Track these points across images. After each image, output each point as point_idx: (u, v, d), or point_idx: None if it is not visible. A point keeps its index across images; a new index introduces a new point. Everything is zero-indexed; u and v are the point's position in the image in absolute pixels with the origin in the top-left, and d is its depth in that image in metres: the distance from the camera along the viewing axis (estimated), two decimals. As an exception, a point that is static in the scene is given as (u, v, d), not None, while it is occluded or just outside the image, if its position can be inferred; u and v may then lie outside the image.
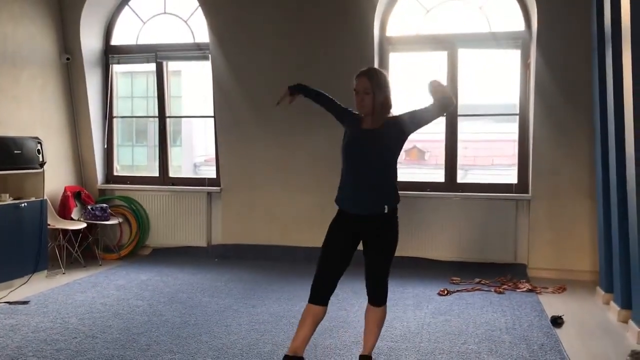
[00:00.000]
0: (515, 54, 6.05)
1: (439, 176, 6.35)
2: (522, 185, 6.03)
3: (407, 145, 8.67)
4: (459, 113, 6.16)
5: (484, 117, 7.00)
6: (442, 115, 3.16)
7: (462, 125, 6.28)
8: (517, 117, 6.07)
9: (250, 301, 4.82)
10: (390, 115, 3.15)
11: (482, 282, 5.42)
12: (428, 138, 8.61)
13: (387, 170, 3.09)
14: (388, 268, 3.16)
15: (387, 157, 3.08)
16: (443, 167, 6.29)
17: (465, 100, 6.27)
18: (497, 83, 6.65)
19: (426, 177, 6.85)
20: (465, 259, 6.00)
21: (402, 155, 8.01)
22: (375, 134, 3.07)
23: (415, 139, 8.86)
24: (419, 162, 9.59)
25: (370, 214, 3.06)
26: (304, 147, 6.34)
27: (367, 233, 3.11)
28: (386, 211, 3.04)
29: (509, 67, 6.18)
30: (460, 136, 6.22)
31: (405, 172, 7.55)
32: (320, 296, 3.10)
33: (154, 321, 4.30)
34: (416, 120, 3.09)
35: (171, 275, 5.75)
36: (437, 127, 6.43)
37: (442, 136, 6.28)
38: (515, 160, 6.13)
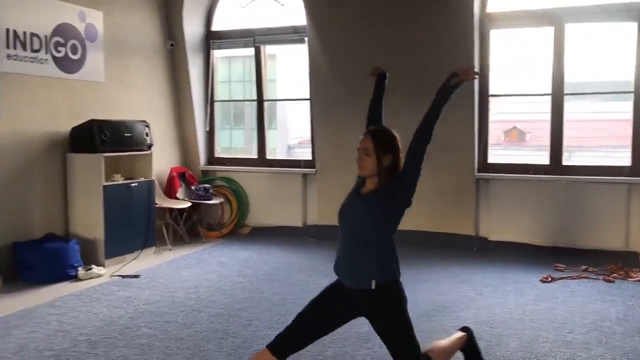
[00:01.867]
0: (631, 27, 5.62)
1: (541, 158, 6.07)
2: (636, 167, 5.64)
3: (506, 126, 8.32)
4: (565, 92, 5.84)
5: (590, 96, 6.60)
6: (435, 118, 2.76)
7: (567, 105, 5.94)
8: (632, 95, 5.65)
9: (346, 282, 4.86)
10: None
11: (589, 269, 5.15)
12: (529, 118, 8.25)
13: (379, 241, 2.67)
14: (403, 349, 2.68)
15: (379, 226, 2.68)
16: (545, 148, 5.99)
17: (572, 78, 5.92)
18: (608, 59, 6.23)
19: (527, 159, 6.58)
20: (570, 244, 5.72)
21: (501, 137, 7.68)
22: (370, 200, 2.70)
23: (515, 119, 8.54)
24: (519, 143, 9.21)
25: (357, 288, 2.66)
26: (397, 130, 6.25)
27: (362, 311, 2.72)
28: (373, 287, 2.61)
29: (623, 41, 5.75)
30: (565, 116, 5.90)
31: (504, 153, 7.30)
32: (283, 350, 2.68)
33: (254, 297, 4.44)
34: (409, 156, 2.70)
35: (269, 254, 5.91)
36: (539, 107, 6.15)
37: (543, 116, 5.99)
38: (628, 142, 5.73)
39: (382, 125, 2.92)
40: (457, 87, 2.72)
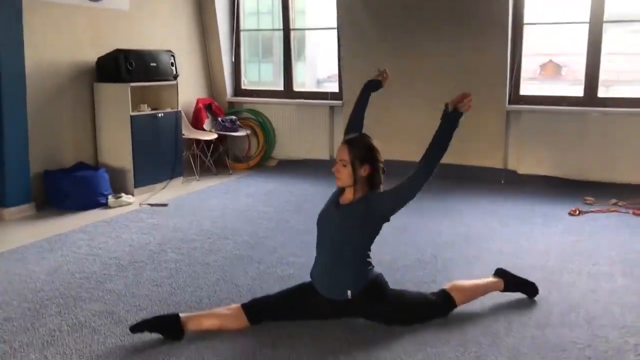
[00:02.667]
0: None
1: (576, 91, 5.86)
2: (674, 99, 5.41)
3: (542, 59, 8.08)
4: (604, 19, 5.56)
5: (633, 26, 6.25)
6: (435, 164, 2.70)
7: (607, 36, 5.65)
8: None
9: (371, 213, 4.88)
10: (376, 191, 2.75)
11: (619, 203, 5.06)
12: (566, 51, 7.91)
13: (354, 252, 2.73)
14: (407, 319, 2.76)
15: (355, 237, 2.72)
16: (581, 82, 5.77)
17: (614, 6, 5.60)
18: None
19: (563, 91, 6.35)
20: (601, 178, 5.60)
21: (536, 71, 7.47)
22: (347, 212, 2.72)
23: (550, 52, 8.22)
24: (554, 77, 8.91)
25: (334, 298, 2.74)
26: (428, 59, 6.09)
27: (345, 314, 2.79)
28: (349, 297, 2.70)
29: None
30: (604, 48, 5.62)
31: (539, 87, 7.07)
32: (256, 314, 2.72)
33: (280, 227, 4.50)
34: (402, 192, 2.68)
35: (296, 186, 5.95)
36: (578, 39, 5.87)
37: (582, 49, 5.73)
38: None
39: (360, 135, 2.83)
40: (458, 116, 2.70)
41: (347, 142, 2.73)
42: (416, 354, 2.53)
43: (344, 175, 2.70)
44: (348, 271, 2.72)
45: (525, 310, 2.97)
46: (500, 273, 3.11)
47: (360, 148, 2.70)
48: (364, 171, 2.68)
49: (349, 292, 2.71)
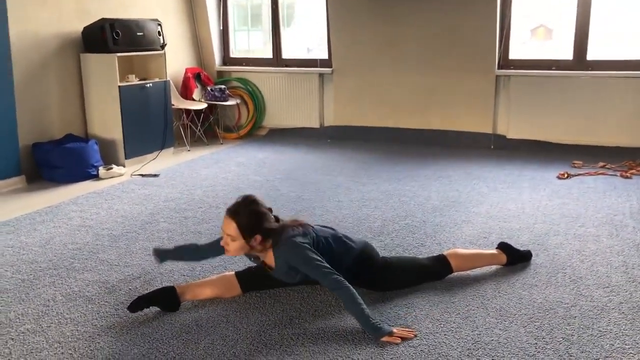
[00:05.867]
0: None
1: (566, 55, 5.84)
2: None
3: (532, 25, 7.97)
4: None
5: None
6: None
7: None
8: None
9: (361, 180, 4.91)
10: (285, 241, 2.54)
11: (606, 166, 5.11)
12: (556, 14, 7.85)
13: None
14: (400, 283, 2.79)
15: (309, 277, 2.62)
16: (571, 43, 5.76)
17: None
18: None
19: (553, 55, 6.33)
20: (590, 142, 5.65)
21: (528, 35, 7.38)
22: (280, 275, 2.68)
23: (542, 16, 8.16)
24: (545, 41, 8.88)
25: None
26: (415, 27, 6.05)
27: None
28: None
29: None
30: (595, 5, 5.59)
31: (529, 50, 7.04)
32: (250, 285, 2.82)
33: (271, 195, 4.52)
34: (315, 274, 2.53)
35: (286, 154, 5.95)
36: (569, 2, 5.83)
37: (572, 11, 5.69)
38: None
39: (243, 200, 2.56)
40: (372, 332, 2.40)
41: (231, 214, 2.52)
42: (406, 316, 2.58)
43: (235, 248, 2.54)
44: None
45: (513, 272, 3.02)
46: (503, 247, 3.11)
47: (246, 218, 2.50)
48: (255, 241, 2.53)
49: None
